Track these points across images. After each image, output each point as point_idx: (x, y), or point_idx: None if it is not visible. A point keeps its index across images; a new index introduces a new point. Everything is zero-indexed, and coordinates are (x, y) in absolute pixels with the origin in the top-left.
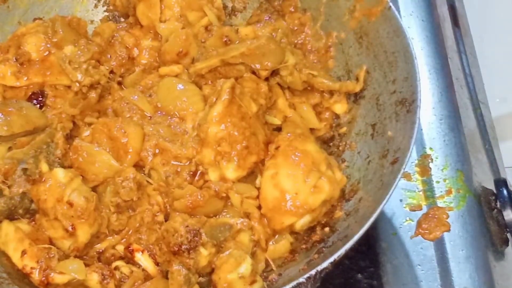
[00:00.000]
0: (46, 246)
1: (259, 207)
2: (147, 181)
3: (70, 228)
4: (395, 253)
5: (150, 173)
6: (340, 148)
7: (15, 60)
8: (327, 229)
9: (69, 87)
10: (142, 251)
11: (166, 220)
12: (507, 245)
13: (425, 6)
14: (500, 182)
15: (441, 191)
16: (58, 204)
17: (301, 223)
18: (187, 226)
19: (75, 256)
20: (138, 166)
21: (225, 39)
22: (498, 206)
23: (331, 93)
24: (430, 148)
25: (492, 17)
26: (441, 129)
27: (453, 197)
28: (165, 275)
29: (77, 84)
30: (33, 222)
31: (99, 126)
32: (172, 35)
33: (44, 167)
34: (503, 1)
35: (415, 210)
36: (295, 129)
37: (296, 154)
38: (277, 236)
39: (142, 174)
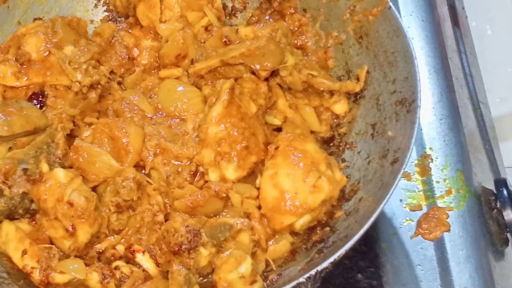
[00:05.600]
0: (47, 245)
1: (259, 207)
2: (147, 181)
3: (70, 228)
4: (395, 253)
5: (151, 172)
6: (340, 148)
7: (15, 60)
8: (327, 229)
9: (69, 87)
10: (143, 252)
11: (166, 220)
12: (507, 245)
13: (425, 6)
14: (500, 182)
15: (441, 191)
16: (58, 204)
17: (301, 222)
18: (187, 226)
19: (75, 256)
20: (139, 166)
21: (225, 39)
22: (498, 206)
23: (331, 93)
24: (430, 148)
25: (492, 17)
26: (441, 129)
27: (453, 197)
28: (166, 275)
29: (77, 84)
30: (34, 222)
31: (100, 126)
32: (170, 38)
33: (44, 167)
34: (503, 1)
35: (415, 210)
36: (295, 129)
37: (296, 154)
38: (277, 236)
39: (142, 174)
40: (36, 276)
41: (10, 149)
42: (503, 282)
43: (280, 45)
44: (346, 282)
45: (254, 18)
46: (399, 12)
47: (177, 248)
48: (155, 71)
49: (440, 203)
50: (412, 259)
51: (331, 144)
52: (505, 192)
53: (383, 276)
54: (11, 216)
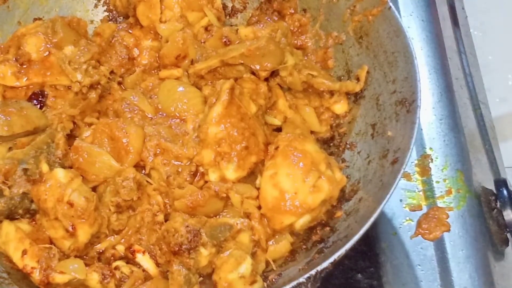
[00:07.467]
0: (47, 245)
1: (259, 207)
2: (147, 181)
3: (70, 228)
4: (395, 253)
5: (151, 173)
6: (340, 148)
7: (15, 60)
8: (327, 229)
9: (69, 87)
10: (143, 252)
11: (166, 220)
12: (507, 245)
13: (425, 6)
14: (500, 182)
15: (441, 191)
16: (58, 204)
17: (301, 222)
18: (187, 226)
19: (75, 256)
20: (139, 166)
21: (225, 39)
22: (498, 206)
23: (331, 93)
24: (430, 148)
25: (492, 17)
26: (441, 129)
27: (453, 197)
28: (166, 275)
29: (77, 84)
30: (34, 222)
31: (100, 126)
32: (170, 38)
33: (44, 167)
34: (503, 1)
35: (415, 210)
36: (295, 130)
37: (296, 154)
38: (277, 236)
39: (142, 174)
40: (36, 276)
41: (10, 149)
42: (503, 282)
43: (280, 45)
44: (346, 282)
45: (254, 18)
46: (399, 12)
47: (177, 248)
48: (155, 71)
49: (440, 203)
50: (412, 259)
51: (331, 144)
52: (505, 192)
53: (383, 276)
54: (11, 216)
